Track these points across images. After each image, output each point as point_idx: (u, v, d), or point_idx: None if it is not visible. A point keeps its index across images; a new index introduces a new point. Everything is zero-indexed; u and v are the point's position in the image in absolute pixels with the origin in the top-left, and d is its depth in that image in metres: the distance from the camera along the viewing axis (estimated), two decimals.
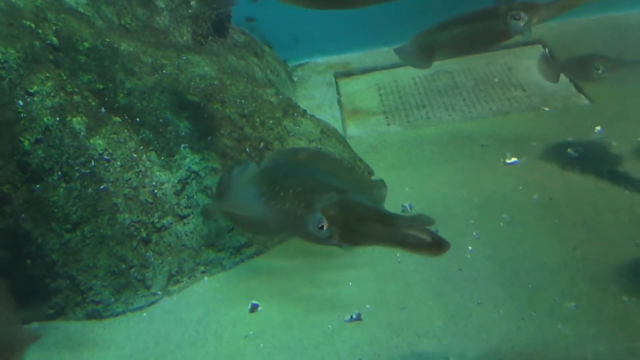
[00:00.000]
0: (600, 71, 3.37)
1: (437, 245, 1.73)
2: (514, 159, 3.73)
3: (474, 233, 3.25)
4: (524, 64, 4.83)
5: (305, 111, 3.96)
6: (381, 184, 2.27)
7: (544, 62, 3.86)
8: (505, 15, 2.93)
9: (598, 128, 3.79)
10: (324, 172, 2.16)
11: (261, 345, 2.86)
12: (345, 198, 1.83)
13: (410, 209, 3.49)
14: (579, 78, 4.08)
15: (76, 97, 3.33)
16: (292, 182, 2.01)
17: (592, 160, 3.58)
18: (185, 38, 4.32)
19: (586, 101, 4.24)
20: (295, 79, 5.22)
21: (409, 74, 4.94)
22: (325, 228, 1.81)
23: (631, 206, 3.22)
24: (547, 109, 4.24)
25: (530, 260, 3.04)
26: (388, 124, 4.45)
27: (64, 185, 3.13)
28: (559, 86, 4.44)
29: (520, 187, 3.49)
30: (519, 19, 2.91)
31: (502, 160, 3.74)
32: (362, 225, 1.77)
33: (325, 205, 1.82)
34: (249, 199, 2.16)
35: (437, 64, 5.00)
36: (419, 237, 1.73)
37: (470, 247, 3.18)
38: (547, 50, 4.90)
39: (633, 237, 3.04)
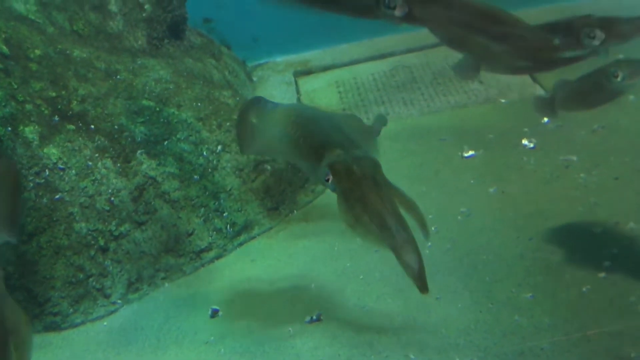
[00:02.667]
0: (619, 79, 2.70)
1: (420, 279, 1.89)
2: (471, 152, 3.75)
3: (433, 228, 3.26)
4: None
5: None
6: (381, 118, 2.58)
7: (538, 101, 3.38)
8: (578, 31, 2.45)
9: (545, 119, 3.81)
10: (336, 125, 2.32)
11: (222, 350, 2.85)
12: (353, 157, 2.05)
13: None
14: (588, 104, 3.06)
15: (28, 106, 3.29)
16: (311, 130, 2.25)
17: (547, 150, 3.62)
18: (140, 42, 4.28)
19: (542, 91, 4.27)
20: (254, 79, 5.20)
21: (368, 71, 4.95)
22: (330, 181, 2.04)
23: (585, 195, 3.25)
24: (503, 100, 4.28)
25: (487, 252, 3.06)
26: None
27: None
28: (515, 77, 4.48)
29: (478, 180, 3.52)
30: (593, 37, 2.42)
31: (459, 153, 3.76)
32: (358, 186, 1.98)
33: (332, 162, 2.05)
34: (273, 136, 2.39)
35: (396, 59, 5.09)
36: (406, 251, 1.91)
37: (429, 242, 3.18)
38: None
39: (588, 226, 3.08)
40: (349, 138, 2.18)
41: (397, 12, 1.90)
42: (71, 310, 3.12)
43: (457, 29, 1.91)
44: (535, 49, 1.88)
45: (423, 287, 1.88)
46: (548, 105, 3.13)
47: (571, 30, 2.45)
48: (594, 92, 2.81)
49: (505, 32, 1.88)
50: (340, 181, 2.02)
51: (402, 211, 1.98)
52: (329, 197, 3.68)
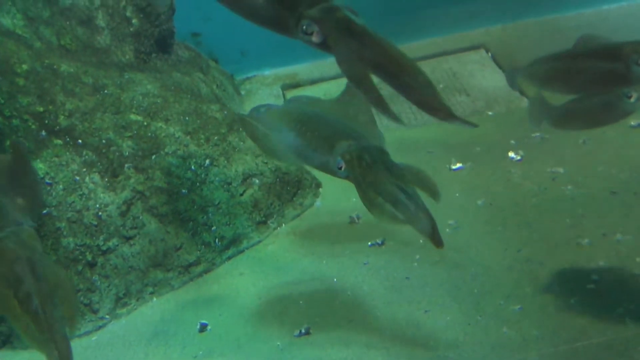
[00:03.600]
0: (633, 100, 2.57)
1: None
2: (459, 165, 3.77)
3: (421, 240, 3.25)
4: (468, 69, 4.89)
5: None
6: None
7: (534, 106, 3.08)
8: (627, 57, 2.34)
9: (537, 134, 3.84)
10: (340, 120, 2.50)
11: None
12: (362, 146, 2.22)
13: (358, 218, 3.50)
14: (592, 123, 2.94)
15: (15, 121, 3.29)
16: (318, 124, 2.39)
17: (534, 162, 3.64)
18: (127, 56, 4.28)
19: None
20: (242, 92, 5.21)
21: None
22: (342, 169, 2.20)
23: (572, 207, 3.27)
24: (490, 112, 4.30)
25: (476, 265, 3.07)
26: None
27: None
28: (502, 90, 4.52)
29: (466, 193, 3.53)
30: None
31: (447, 166, 3.78)
32: (370, 171, 2.15)
33: (344, 151, 2.20)
34: (278, 133, 2.50)
35: None
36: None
37: (417, 255, 3.20)
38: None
39: (575, 237, 3.09)
40: (354, 128, 2.38)
41: (314, 39, 1.92)
42: None
43: (364, 67, 1.92)
44: (427, 106, 1.91)
45: (438, 242, 2.07)
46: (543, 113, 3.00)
47: (619, 56, 2.37)
48: (602, 111, 2.72)
49: (404, 82, 1.91)
50: (353, 168, 2.18)
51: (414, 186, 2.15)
52: (318, 211, 3.69)
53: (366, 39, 1.88)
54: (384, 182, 2.12)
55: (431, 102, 1.91)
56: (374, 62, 1.90)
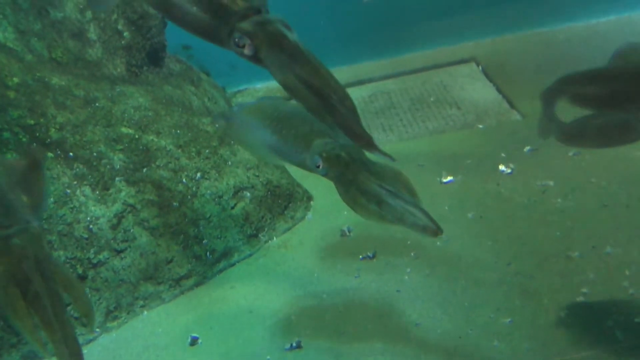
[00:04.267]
0: None
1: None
2: (449, 178, 3.78)
3: (412, 253, 3.28)
4: (459, 82, 4.92)
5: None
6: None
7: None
8: None
9: (528, 147, 3.86)
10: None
11: None
12: (340, 145, 2.21)
13: (349, 232, 3.51)
14: (607, 143, 2.81)
15: (6, 134, 3.28)
16: (294, 122, 2.37)
17: (524, 175, 3.65)
18: (119, 69, 4.29)
19: (518, 116, 4.33)
20: (234, 105, 5.21)
21: None
22: (321, 167, 2.20)
23: (562, 219, 3.28)
24: (481, 126, 4.32)
25: (466, 278, 3.08)
26: None
27: None
28: (492, 103, 4.54)
29: (456, 206, 3.54)
30: None
31: (438, 179, 3.79)
32: (349, 169, 2.15)
33: (321, 150, 2.20)
34: (254, 131, 2.49)
35: (374, 85, 5.13)
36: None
37: (408, 269, 3.20)
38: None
39: (564, 250, 3.11)
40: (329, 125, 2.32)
41: (245, 51, 1.94)
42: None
43: (295, 81, 1.93)
44: (349, 131, 1.93)
45: (436, 230, 2.01)
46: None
47: None
48: (618, 131, 2.57)
49: (330, 104, 1.92)
50: (331, 167, 2.18)
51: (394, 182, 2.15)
52: (309, 224, 3.70)
53: (297, 55, 1.89)
54: (364, 180, 2.12)
55: (354, 128, 1.92)
56: (302, 79, 1.91)
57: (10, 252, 1.99)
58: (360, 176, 2.13)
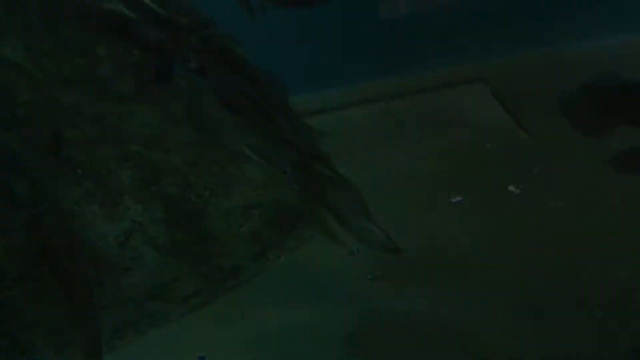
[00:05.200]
0: None
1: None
2: (458, 198, 3.76)
3: (421, 273, 3.26)
4: (468, 102, 4.90)
5: (249, 156, 3.95)
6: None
7: None
8: None
9: (536, 168, 3.85)
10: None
11: None
12: (310, 154, 2.21)
13: (358, 251, 3.48)
14: None
15: None
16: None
17: (533, 196, 3.64)
18: (127, 86, 4.29)
19: (527, 137, 4.31)
20: None
21: (354, 116, 4.97)
22: (287, 173, 2.21)
23: (571, 241, 3.27)
24: (489, 145, 4.30)
25: (476, 297, 3.06)
26: None
27: (2, 241, 3.06)
28: (501, 123, 4.53)
29: (465, 226, 3.52)
30: None
31: (447, 199, 3.77)
32: (314, 181, 2.16)
33: (292, 158, 2.20)
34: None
35: (383, 104, 5.12)
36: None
37: (417, 289, 3.18)
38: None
39: (576, 273, 3.09)
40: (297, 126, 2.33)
41: (191, 65, 1.95)
42: (56, 357, 3.07)
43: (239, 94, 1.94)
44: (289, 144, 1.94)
45: (395, 250, 2.07)
46: None
47: None
48: None
49: (274, 119, 1.93)
50: (298, 176, 2.17)
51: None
52: (316, 243, 3.67)
53: (242, 70, 1.90)
54: (327, 195, 2.09)
55: (291, 140, 1.92)
56: (246, 93, 1.91)
57: None
58: (324, 190, 2.11)
